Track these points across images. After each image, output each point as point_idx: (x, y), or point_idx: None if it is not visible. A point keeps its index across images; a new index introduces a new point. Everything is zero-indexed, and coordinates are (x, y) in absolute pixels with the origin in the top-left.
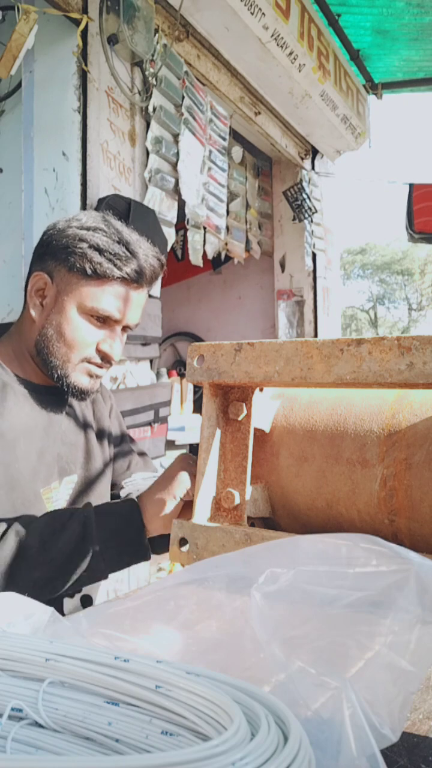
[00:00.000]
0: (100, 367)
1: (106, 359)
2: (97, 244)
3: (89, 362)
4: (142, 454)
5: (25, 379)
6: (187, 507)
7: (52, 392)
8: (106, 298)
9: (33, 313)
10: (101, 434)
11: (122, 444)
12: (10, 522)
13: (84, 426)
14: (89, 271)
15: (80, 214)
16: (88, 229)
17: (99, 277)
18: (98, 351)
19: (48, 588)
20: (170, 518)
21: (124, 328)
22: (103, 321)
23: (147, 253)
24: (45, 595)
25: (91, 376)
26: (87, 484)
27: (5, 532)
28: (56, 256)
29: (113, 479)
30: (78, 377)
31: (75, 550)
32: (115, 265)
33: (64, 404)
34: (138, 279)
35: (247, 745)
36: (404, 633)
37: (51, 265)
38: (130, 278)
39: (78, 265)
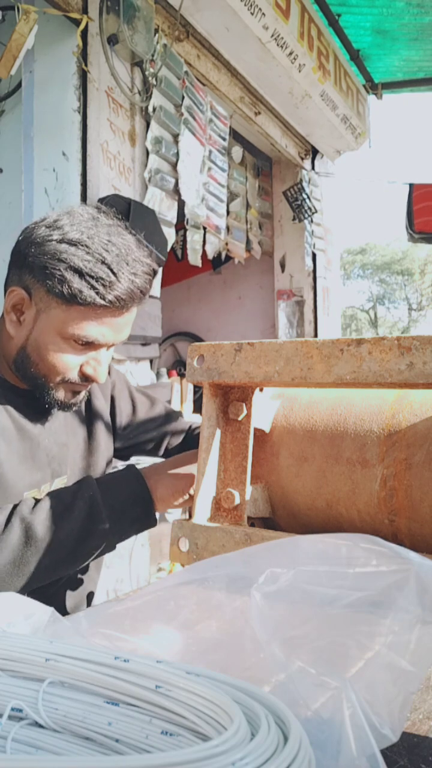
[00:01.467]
0: (82, 386)
1: (88, 380)
2: (77, 266)
3: (71, 383)
4: (169, 413)
5: (10, 382)
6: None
7: (35, 393)
8: (89, 325)
9: (10, 329)
10: (98, 428)
11: (137, 414)
12: (12, 508)
13: (78, 423)
14: (68, 298)
15: (64, 217)
16: (69, 242)
17: (80, 304)
18: (81, 373)
19: (59, 570)
20: (174, 507)
21: (110, 346)
22: (87, 345)
23: (135, 271)
24: (55, 577)
25: (73, 392)
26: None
27: (9, 520)
28: (34, 273)
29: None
30: (59, 395)
31: (84, 531)
32: (97, 292)
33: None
34: (123, 305)
35: (247, 745)
36: (404, 633)
37: (29, 281)
38: (115, 305)
39: (56, 290)
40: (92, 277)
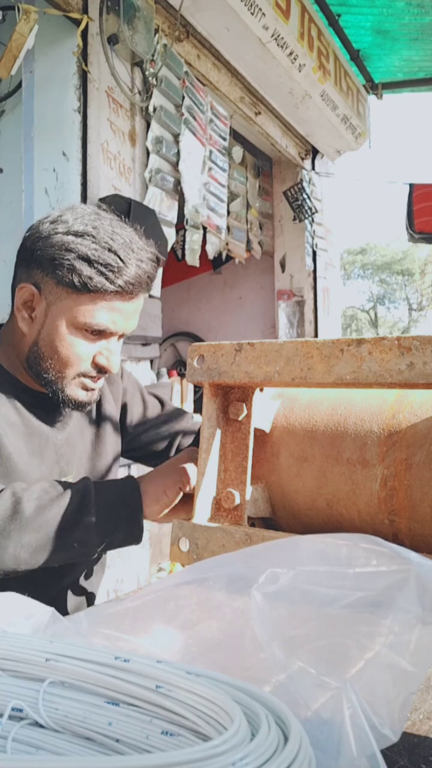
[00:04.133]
0: (95, 379)
1: (102, 371)
2: (85, 254)
3: (84, 376)
4: (179, 414)
5: (23, 383)
6: (185, 501)
7: (49, 396)
8: (100, 312)
9: (22, 326)
10: (107, 431)
11: (147, 415)
12: (7, 485)
13: (87, 425)
14: (79, 286)
15: (67, 212)
16: (75, 234)
17: (90, 291)
18: (94, 364)
19: (36, 555)
20: (168, 506)
21: (120, 336)
22: (99, 333)
23: (141, 257)
24: (30, 563)
25: (86, 389)
26: None
27: (1, 492)
28: (42, 266)
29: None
30: (73, 391)
31: (70, 519)
32: (106, 278)
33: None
34: (132, 290)
35: (248, 745)
36: (404, 633)
37: (38, 276)
38: (124, 290)
39: (66, 279)
40: (101, 263)
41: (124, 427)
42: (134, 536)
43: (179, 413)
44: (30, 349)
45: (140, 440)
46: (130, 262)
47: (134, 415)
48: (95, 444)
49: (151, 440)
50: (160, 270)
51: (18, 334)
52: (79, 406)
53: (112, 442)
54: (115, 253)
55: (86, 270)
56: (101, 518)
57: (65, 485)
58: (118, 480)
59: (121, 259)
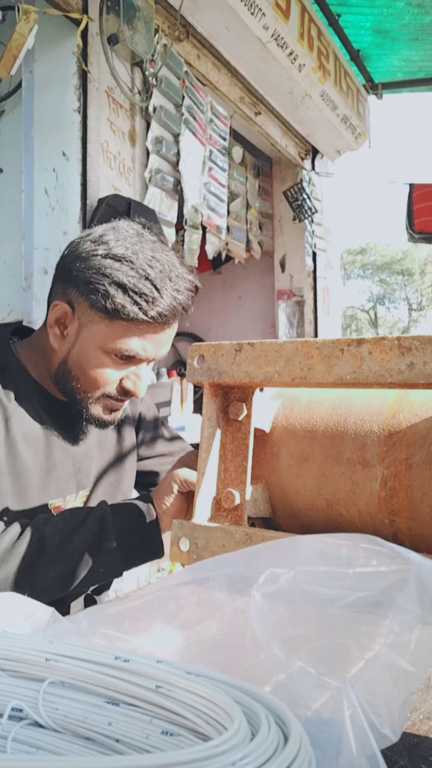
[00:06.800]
0: (120, 401)
1: (128, 394)
2: (121, 281)
3: (110, 398)
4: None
5: (49, 392)
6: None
7: (72, 407)
8: (131, 340)
9: (53, 342)
10: (123, 452)
11: (156, 447)
12: (27, 521)
13: (108, 440)
14: (112, 312)
15: (110, 232)
16: (114, 258)
17: (122, 319)
18: (121, 387)
19: (64, 586)
20: (174, 514)
21: (150, 360)
22: (128, 359)
23: (178, 287)
24: (59, 593)
25: (110, 410)
26: (99, 498)
27: (23, 530)
28: (78, 287)
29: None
30: (97, 410)
31: (92, 547)
32: (140, 308)
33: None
34: (166, 321)
35: (248, 745)
36: (404, 633)
37: (73, 295)
38: (157, 321)
39: (100, 304)
40: (136, 292)
41: (137, 447)
42: (155, 552)
43: (188, 450)
44: (59, 366)
45: (144, 466)
46: (165, 292)
47: (144, 439)
48: (114, 459)
49: (153, 469)
50: None
51: (48, 349)
52: (101, 424)
53: (131, 460)
54: (152, 282)
55: (120, 298)
56: (122, 541)
57: (84, 512)
58: (134, 499)
59: (156, 289)
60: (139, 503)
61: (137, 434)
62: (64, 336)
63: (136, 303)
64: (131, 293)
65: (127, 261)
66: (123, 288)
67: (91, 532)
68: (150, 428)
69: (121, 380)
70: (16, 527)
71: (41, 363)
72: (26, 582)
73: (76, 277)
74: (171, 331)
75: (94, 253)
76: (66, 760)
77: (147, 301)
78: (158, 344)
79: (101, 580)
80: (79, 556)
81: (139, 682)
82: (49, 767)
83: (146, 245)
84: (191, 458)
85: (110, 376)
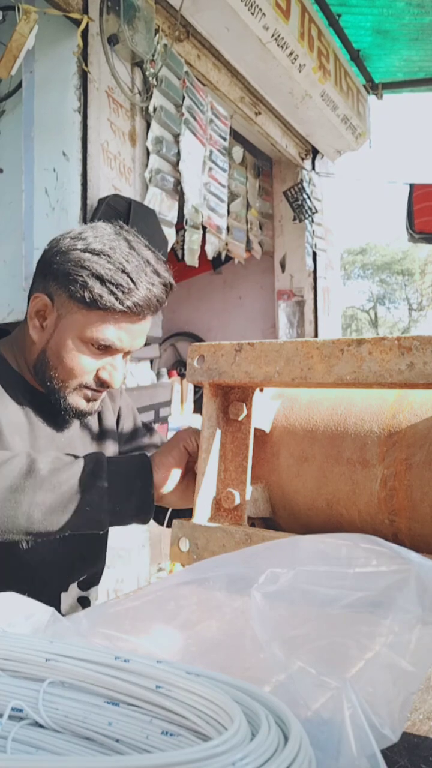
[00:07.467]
0: (97, 391)
1: (104, 385)
2: (98, 273)
3: (87, 388)
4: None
5: (31, 385)
6: (191, 480)
7: (51, 396)
8: (107, 329)
9: (32, 334)
10: (106, 440)
11: (136, 440)
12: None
13: (89, 430)
14: (89, 302)
15: (88, 230)
16: (92, 252)
17: (99, 308)
18: (97, 378)
19: (48, 516)
20: (172, 465)
21: (126, 353)
22: (104, 349)
23: (153, 281)
24: (41, 526)
25: (88, 400)
26: None
27: (18, 454)
28: (58, 279)
29: None
30: (75, 400)
31: (83, 482)
32: (116, 297)
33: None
34: (141, 311)
35: (248, 745)
36: (404, 633)
37: (52, 288)
38: (132, 311)
39: (78, 295)
40: (113, 283)
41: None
42: (144, 509)
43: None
44: (38, 356)
45: None
46: (141, 284)
47: (122, 437)
48: (96, 447)
49: None
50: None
51: (28, 341)
52: (79, 414)
53: (112, 446)
54: (128, 275)
55: (98, 288)
56: (114, 484)
57: (78, 455)
58: (130, 455)
59: (132, 281)
60: (137, 455)
61: (117, 426)
62: (43, 327)
63: (112, 293)
64: (108, 284)
65: (105, 255)
66: (101, 279)
67: (83, 469)
68: (129, 422)
69: (97, 371)
70: (9, 453)
71: (21, 356)
72: (11, 500)
73: (56, 270)
74: (146, 323)
75: (74, 248)
76: (66, 760)
77: (123, 292)
78: (133, 335)
79: (86, 524)
80: (67, 488)
81: (139, 682)
82: (49, 767)
83: (123, 243)
84: (189, 432)
85: (87, 366)
